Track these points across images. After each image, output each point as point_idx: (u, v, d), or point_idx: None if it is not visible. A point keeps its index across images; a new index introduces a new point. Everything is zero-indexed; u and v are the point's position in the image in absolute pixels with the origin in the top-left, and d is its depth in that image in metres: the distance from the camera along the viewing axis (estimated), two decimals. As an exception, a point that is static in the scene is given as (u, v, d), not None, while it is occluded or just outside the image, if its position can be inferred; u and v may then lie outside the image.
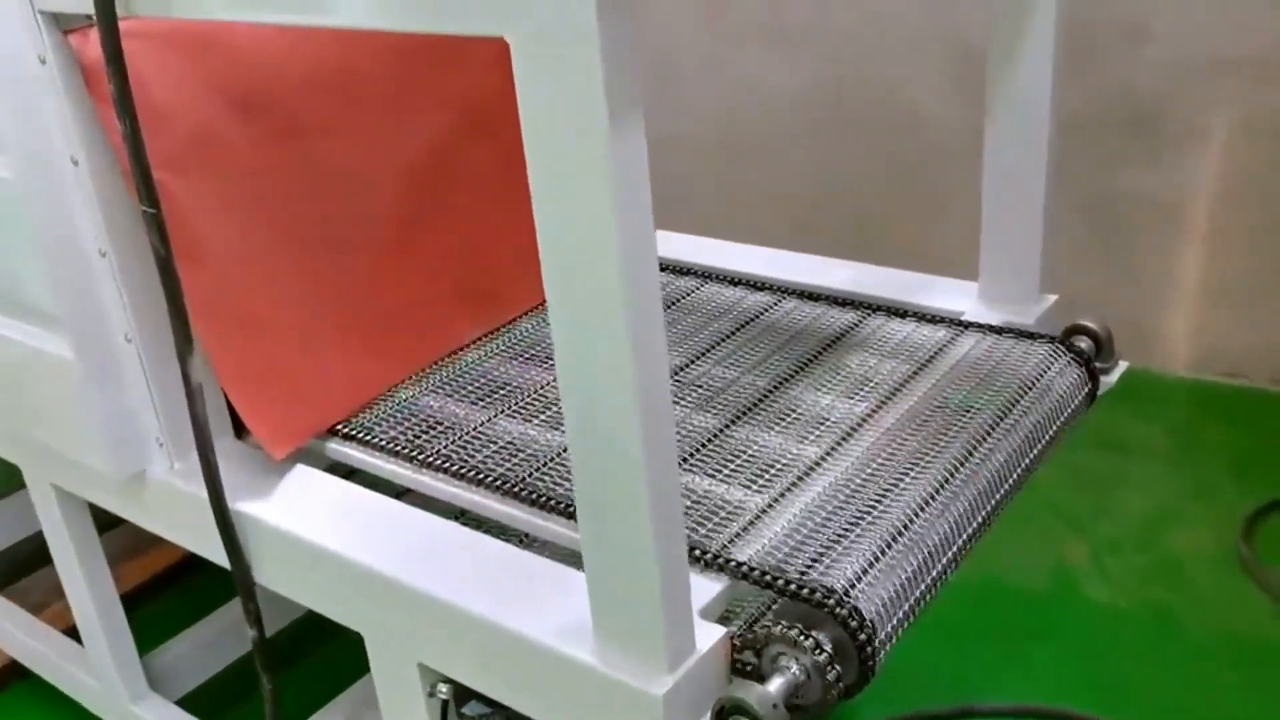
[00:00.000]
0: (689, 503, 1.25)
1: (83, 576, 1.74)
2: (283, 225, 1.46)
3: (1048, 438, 1.40)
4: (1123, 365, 1.55)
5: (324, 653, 1.89)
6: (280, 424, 1.43)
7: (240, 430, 1.48)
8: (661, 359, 0.92)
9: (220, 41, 1.41)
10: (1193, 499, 2.42)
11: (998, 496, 1.29)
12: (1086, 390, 1.48)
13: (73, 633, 1.91)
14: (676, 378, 1.52)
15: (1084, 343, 1.51)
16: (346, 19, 0.95)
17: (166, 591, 2.23)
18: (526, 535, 1.32)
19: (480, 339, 1.68)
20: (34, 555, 2.07)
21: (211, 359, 1.37)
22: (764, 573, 1.12)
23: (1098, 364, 1.51)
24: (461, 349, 1.65)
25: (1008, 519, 1.31)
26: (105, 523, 1.75)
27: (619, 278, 0.85)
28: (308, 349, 1.48)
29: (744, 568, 1.13)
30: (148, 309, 1.36)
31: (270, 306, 1.45)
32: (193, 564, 2.00)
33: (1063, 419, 1.43)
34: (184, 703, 1.87)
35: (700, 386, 1.50)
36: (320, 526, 1.31)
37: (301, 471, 1.42)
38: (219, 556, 1.39)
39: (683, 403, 1.46)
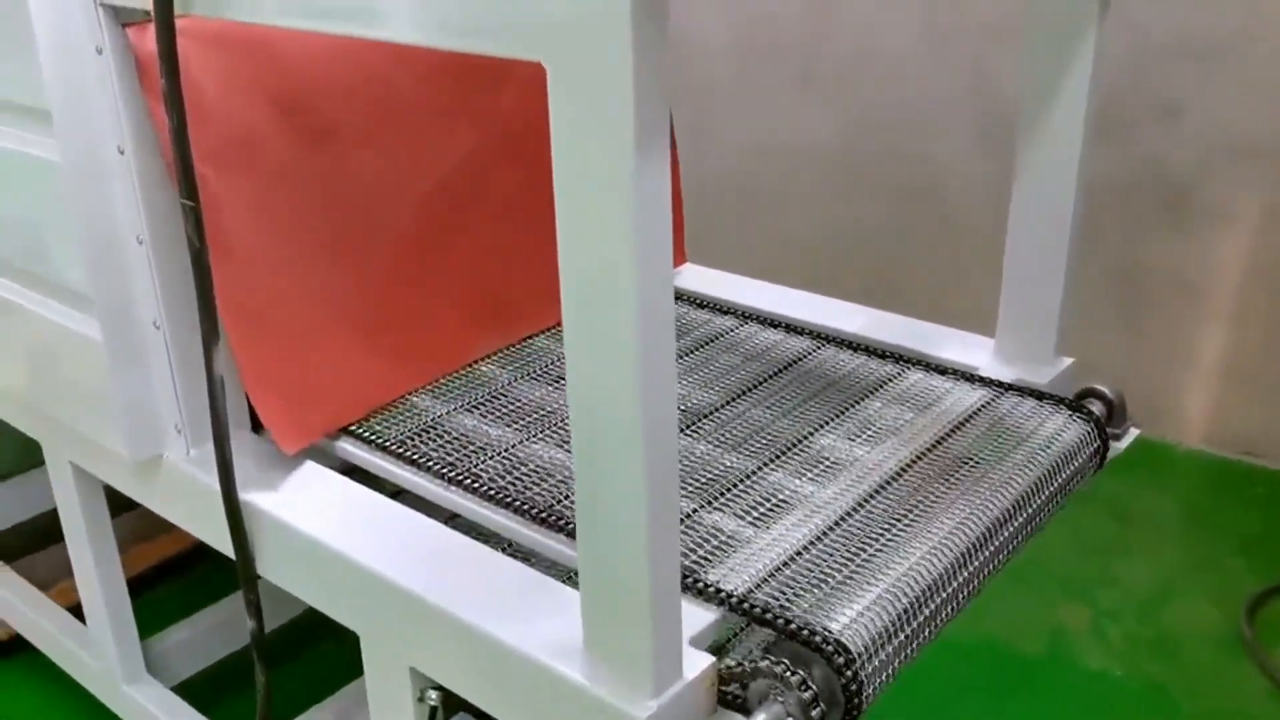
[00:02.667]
0: (687, 531, 1.27)
1: (92, 556, 1.77)
2: (312, 227, 1.50)
3: (1053, 497, 1.40)
4: (1134, 432, 1.55)
5: (321, 651, 1.91)
6: (293, 420, 1.45)
7: (257, 425, 1.50)
8: (670, 385, 0.94)
9: (268, 45, 1.45)
10: (1198, 574, 2.41)
11: (998, 551, 1.30)
12: (1096, 454, 1.49)
13: (76, 611, 1.94)
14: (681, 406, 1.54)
15: (1096, 406, 1.52)
16: (393, 33, 0.98)
17: (171, 579, 2.26)
18: (526, 552, 1.33)
19: (496, 353, 1.71)
20: (46, 532, 2.10)
21: (233, 352, 1.40)
22: (756, 607, 1.13)
23: (1109, 429, 1.51)
24: (478, 362, 1.68)
25: (1008, 576, 1.32)
26: (118, 506, 1.78)
27: (634, 304, 0.87)
28: (326, 349, 1.51)
29: (737, 600, 1.14)
30: (178, 298, 1.39)
31: (293, 305, 1.48)
32: (199, 554, 2.03)
33: (1070, 480, 1.44)
34: (179, 689, 1.90)
35: (700, 417, 1.52)
36: (326, 524, 1.33)
37: (312, 469, 1.45)
38: (225, 546, 1.41)
39: (686, 433, 1.48)
